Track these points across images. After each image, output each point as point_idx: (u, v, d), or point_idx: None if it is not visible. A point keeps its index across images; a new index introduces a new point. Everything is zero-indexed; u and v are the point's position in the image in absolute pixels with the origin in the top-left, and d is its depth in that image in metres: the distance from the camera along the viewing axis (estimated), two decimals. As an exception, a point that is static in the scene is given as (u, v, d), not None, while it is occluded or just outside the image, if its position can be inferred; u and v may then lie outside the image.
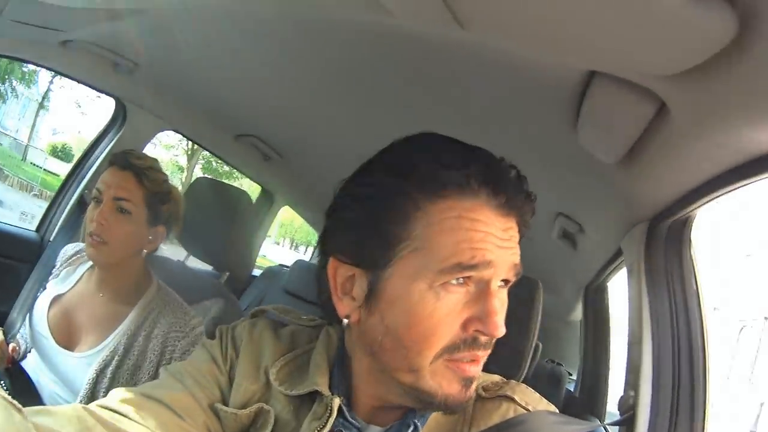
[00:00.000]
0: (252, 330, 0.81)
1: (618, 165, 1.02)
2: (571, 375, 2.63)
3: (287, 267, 2.93)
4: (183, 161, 20.77)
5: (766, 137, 0.63)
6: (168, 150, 21.37)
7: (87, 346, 1.30)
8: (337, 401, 0.70)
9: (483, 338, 0.63)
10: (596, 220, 1.58)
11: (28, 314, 1.42)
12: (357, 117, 1.67)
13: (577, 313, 2.70)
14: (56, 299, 1.38)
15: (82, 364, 1.27)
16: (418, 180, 0.62)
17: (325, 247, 0.72)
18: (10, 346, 1.38)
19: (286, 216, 22.40)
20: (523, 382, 0.79)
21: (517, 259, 0.65)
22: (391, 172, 0.65)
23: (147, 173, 1.33)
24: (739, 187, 0.77)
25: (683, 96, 0.69)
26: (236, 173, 5.60)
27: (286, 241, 25.79)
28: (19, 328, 1.46)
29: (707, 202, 0.89)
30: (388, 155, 0.69)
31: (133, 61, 1.74)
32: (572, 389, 2.47)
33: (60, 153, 19.22)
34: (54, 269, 1.49)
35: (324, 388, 0.72)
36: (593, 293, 2.26)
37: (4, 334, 1.41)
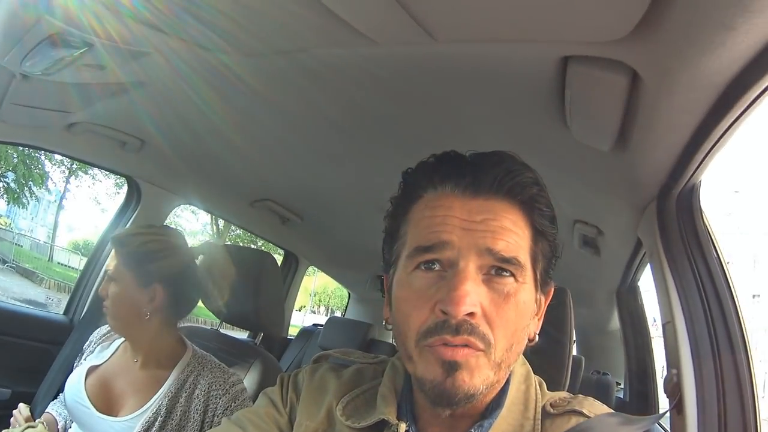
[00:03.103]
0: (313, 374, 0.84)
1: (614, 150, 1.04)
2: (619, 384, 2.57)
3: (321, 326, 2.96)
4: (211, 246, 21.04)
5: (719, 64, 0.66)
6: (193, 237, 21.72)
7: (129, 410, 1.31)
8: (403, 426, 0.70)
9: (452, 321, 0.61)
10: (611, 216, 1.58)
11: (59, 391, 1.46)
12: (363, 160, 1.70)
13: (615, 322, 2.65)
14: (92, 369, 1.40)
15: (126, 428, 1.28)
16: (406, 191, 0.73)
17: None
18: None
19: (318, 284, 22.87)
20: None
21: (494, 244, 0.64)
22: (398, 194, 0.75)
23: (123, 241, 1.40)
24: (725, 132, 0.79)
25: (645, 55, 0.72)
26: (267, 247, 5.62)
27: (321, 309, 27.12)
28: (46, 407, 1.51)
29: (703, 159, 0.90)
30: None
31: (139, 138, 1.79)
32: (622, 397, 2.41)
33: (82, 249, 19.38)
34: (88, 347, 1.53)
35: (391, 417, 0.71)
36: (625, 296, 2.22)
37: (31, 411, 1.47)
